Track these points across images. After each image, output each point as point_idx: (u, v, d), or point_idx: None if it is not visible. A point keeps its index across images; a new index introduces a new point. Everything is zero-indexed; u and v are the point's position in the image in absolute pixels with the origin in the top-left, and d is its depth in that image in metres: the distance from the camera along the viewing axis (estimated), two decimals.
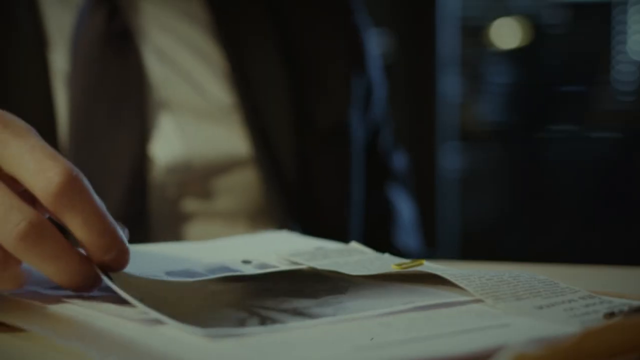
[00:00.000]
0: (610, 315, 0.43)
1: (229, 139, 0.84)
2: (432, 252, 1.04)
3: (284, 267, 0.57)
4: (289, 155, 0.85)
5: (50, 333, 0.44)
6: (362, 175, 0.92)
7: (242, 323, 0.43)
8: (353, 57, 0.93)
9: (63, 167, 0.46)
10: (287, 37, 0.88)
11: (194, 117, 0.83)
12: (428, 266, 0.53)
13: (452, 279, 0.49)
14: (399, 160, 0.99)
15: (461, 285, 0.48)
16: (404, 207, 0.98)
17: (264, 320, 0.43)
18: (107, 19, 0.81)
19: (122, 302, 0.46)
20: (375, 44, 0.98)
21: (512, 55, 2.45)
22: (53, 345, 0.44)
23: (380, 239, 0.95)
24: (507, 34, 2.43)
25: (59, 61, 0.81)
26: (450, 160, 2.33)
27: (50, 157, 0.46)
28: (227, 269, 0.56)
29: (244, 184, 0.84)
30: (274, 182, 0.84)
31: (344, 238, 0.90)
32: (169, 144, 0.81)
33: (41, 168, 0.46)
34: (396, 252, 0.94)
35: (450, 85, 2.30)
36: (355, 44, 0.93)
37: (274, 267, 0.57)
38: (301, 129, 0.86)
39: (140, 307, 0.44)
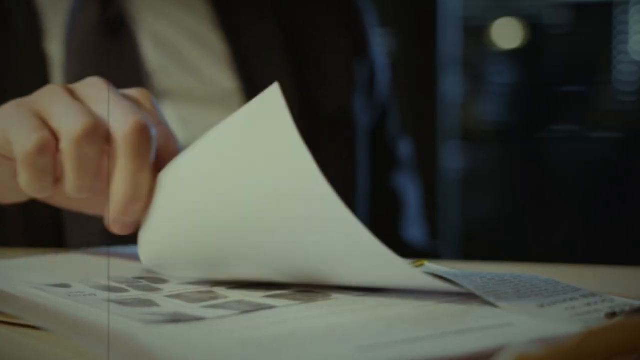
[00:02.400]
0: (612, 314, 0.43)
1: None
2: (436, 245, 1.03)
3: None
4: None
5: (55, 329, 0.44)
6: (367, 161, 0.91)
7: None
8: (355, 42, 0.92)
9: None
10: (288, 23, 0.88)
11: (194, 104, 0.82)
12: (429, 267, 0.53)
13: (454, 279, 0.49)
14: (405, 147, 0.99)
15: (463, 284, 0.48)
16: (411, 196, 0.98)
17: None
18: (101, 6, 0.81)
19: (125, 302, 0.47)
20: (378, 28, 0.98)
21: (513, 55, 2.45)
22: (58, 341, 0.44)
23: (387, 229, 0.95)
24: (508, 34, 2.43)
25: (56, 51, 0.81)
26: (451, 159, 2.32)
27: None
28: None
29: None
30: None
31: None
32: None
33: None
34: (403, 242, 0.94)
35: (451, 85, 2.30)
36: (357, 29, 0.93)
37: None
38: (305, 116, 0.86)
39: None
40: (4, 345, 0.45)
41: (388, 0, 2.27)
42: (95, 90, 0.54)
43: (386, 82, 0.97)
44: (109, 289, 0.50)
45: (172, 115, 0.81)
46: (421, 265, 0.54)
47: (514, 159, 2.48)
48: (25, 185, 0.52)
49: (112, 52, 0.81)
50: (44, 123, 0.51)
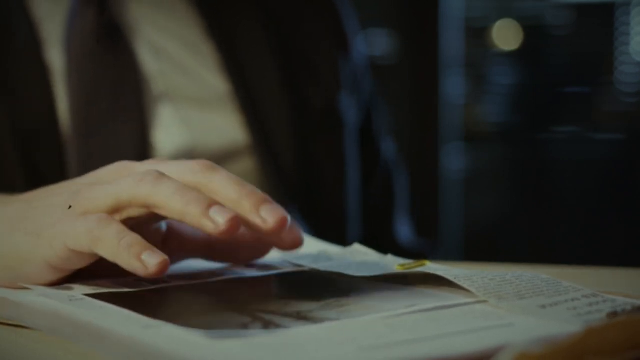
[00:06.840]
0: (614, 314, 0.43)
1: (228, 127, 0.84)
2: (423, 241, 1.04)
3: (287, 269, 0.57)
4: (286, 142, 0.86)
5: (57, 332, 0.44)
6: (356, 158, 0.93)
7: (244, 327, 0.43)
8: (337, 40, 0.94)
9: None
10: (275, 26, 0.89)
11: (193, 106, 0.84)
12: (431, 267, 0.53)
13: (455, 280, 0.49)
14: (388, 145, 1.00)
15: (464, 285, 0.48)
16: (397, 193, 0.99)
17: (267, 325, 0.43)
18: (97, 15, 0.82)
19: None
20: (358, 28, 0.99)
21: (515, 56, 2.45)
22: (53, 342, 0.44)
23: (378, 228, 0.96)
24: (510, 34, 2.43)
25: (57, 60, 0.82)
26: (454, 160, 2.33)
27: None
28: (230, 270, 0.56)
29: (244, 173, 0.85)
30: (272, 169, 0.84)
31: (342, 222, 0.90)
32: (170, 133, 0.82)
33: None
34: (391, 238, 0.96)
35: (453, 86, 2.30)
36: (338, 28, 0.95)
37: (277, 268, 0.57)
38: (296, 115, 0.87)
39: None
40: (1, 345, 0.45)
41: (390, 2, 2.27)
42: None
43: (368, 80, 0.98)
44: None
45: (173, 116, 0.82)
46: (423, 265, 0.54)
47: (516, 160, 2.48)
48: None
49: (110, 58, 0.82)
50: None
